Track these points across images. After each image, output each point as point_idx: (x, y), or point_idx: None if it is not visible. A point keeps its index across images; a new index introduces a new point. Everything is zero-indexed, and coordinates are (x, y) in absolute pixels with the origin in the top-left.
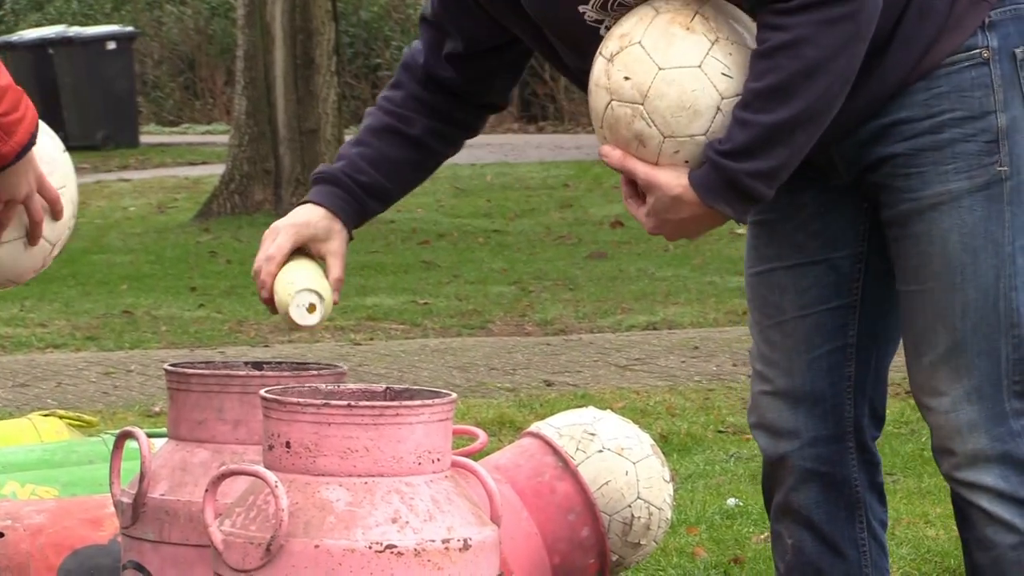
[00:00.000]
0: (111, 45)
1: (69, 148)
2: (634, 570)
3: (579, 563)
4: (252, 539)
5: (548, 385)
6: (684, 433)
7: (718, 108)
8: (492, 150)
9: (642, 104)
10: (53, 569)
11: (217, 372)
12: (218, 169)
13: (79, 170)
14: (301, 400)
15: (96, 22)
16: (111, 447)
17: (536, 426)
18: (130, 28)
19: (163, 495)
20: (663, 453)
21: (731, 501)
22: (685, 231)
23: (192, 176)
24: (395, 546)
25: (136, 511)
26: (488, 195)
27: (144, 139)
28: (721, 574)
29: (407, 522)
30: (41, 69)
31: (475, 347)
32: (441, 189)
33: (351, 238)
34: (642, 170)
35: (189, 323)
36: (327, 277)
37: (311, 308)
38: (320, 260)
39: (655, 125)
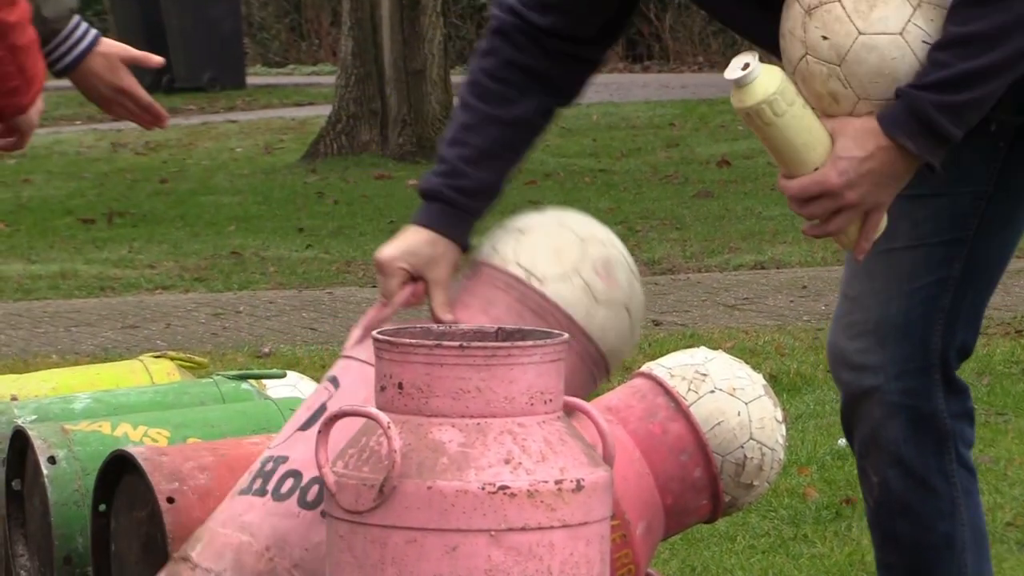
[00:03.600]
0: None
1: (175, 90)
2: (746, 511)
3: (691, 504)
4: (365, 480)
5: (656, 325)
6: (794, 373)
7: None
8: (597, 90)
9: (839, 66)
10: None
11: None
12: (324, 110)
13: (185, 112)
14: (413, 341)
15: None
16: (223, 389)
17: (647, 366)
18: None
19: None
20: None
21: (842, 442)
22: (875, 183)
23: (299, 117)
24: (508, 487)
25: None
26: (594, 134)
27: (250, 80)
28: (833, 515)
29: (520, 463)
30: (148, 11)
31: None
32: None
33: (466, 247)
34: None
35: (297, 264)
36: (430, 305)
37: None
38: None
39: (851, 87)
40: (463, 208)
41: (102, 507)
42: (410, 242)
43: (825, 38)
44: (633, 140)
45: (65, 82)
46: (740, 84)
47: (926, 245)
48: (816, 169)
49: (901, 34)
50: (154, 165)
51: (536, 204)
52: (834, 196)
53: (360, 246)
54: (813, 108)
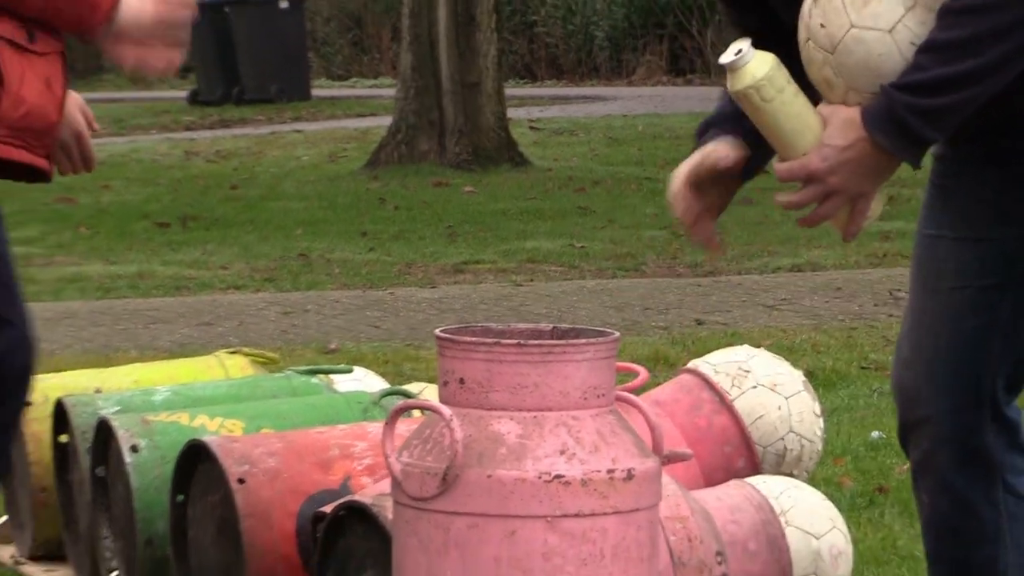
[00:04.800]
0: (283, 4)
1: (245, 102)
2: None
3: None
4: (429, 469)
5: (699, 324)
6: (829, 369)
7: None
8: (643, 102)
9: (831, 54)
10: (292, 515)
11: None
12: (385, 121)
13: (254, 122)
14: (474, 339)
15: None
16: (294, 383)
17: (694, 363)
18: None
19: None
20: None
21: (875, 434)
22: (855, 171)
23: (361, 127)
24: (563, 476)
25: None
26: (639, 144)
27: (315, 92)
28: (867, 502)
29: (574, 453)
30: (218, 26)
31: (630, 288)
32: (595, 139)
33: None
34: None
35: (360, 265)
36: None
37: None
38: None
39: (841, 76)
40: (729, 128)
41: (180, 498)
42: (695, 158)
43: (823, 26)
44: (676, 149)
45: (142, 92)
46: (731, 68)
47: (971, 288)
48: (805, 155)
49: (890, 32)
50: (225, 172)
51: (584, 210)
52: (817, 181)
53: (419, 249)
54: (810, 96)
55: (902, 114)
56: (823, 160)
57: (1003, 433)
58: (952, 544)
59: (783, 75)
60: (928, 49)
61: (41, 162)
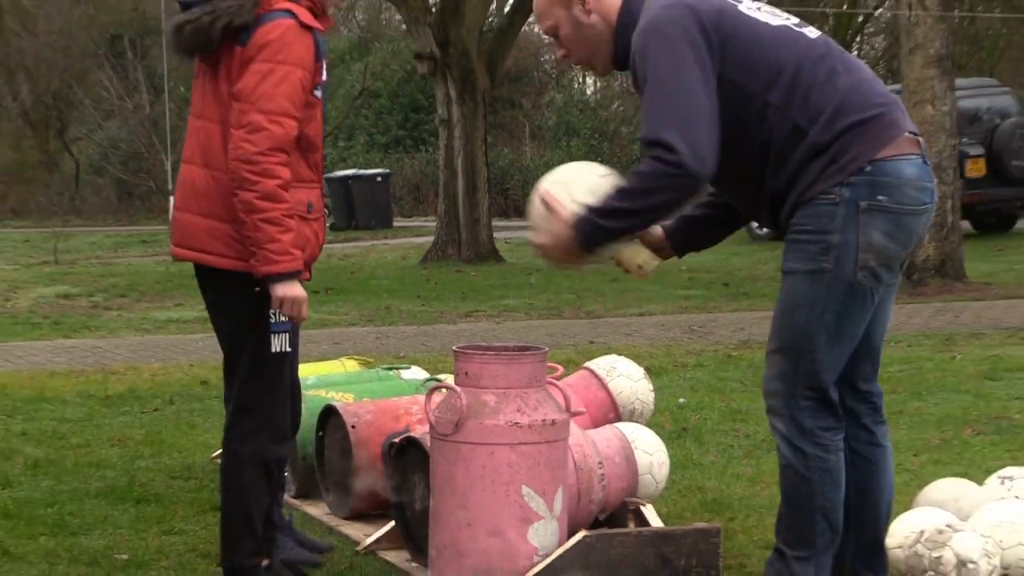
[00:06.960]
0: (379, 179)
1: (358, 228)
2: None
3: None
4: (449, 420)
5: (591, 343)
6: (657, 367)
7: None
8: None
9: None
10: (379, 444)
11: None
12: (430, 239)
13: (363, 239)
14: (473, 352)
15: (372, 167)
16: (380, 374)
17: (586, 364)
18: (388, 170)
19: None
20: (648, 376)
21: (681, 400)
22: (557, 250)
23: (417, 243)
24: (519, 423)
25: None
26: None
27: (395, 224)
28: (677, 436)
29: (525, 411)
30: (345, 189)
31: (553, 325)
32: None
33: (677, 251)
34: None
35: (417, 312)
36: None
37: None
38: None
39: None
40: (673, 237)
41: (320, 433)
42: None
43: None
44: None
45: None
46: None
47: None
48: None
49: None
50: (347, 265)
51: (532, 284)
52: (544, 256)
53: (447, 304)
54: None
55: (586, 227)
56: (543, 256)
57: (823, 413)
58: (786, 466)
59: (626, 249)
60: (616, 191)
61: (306, 275)
